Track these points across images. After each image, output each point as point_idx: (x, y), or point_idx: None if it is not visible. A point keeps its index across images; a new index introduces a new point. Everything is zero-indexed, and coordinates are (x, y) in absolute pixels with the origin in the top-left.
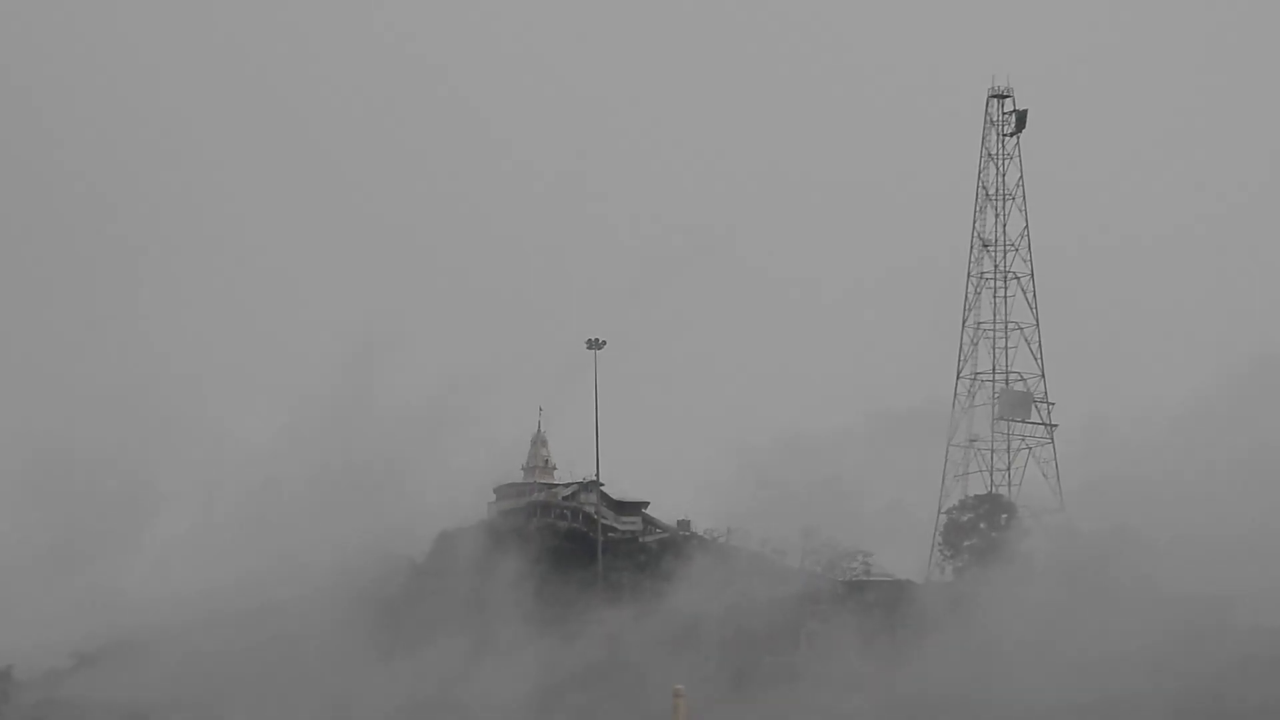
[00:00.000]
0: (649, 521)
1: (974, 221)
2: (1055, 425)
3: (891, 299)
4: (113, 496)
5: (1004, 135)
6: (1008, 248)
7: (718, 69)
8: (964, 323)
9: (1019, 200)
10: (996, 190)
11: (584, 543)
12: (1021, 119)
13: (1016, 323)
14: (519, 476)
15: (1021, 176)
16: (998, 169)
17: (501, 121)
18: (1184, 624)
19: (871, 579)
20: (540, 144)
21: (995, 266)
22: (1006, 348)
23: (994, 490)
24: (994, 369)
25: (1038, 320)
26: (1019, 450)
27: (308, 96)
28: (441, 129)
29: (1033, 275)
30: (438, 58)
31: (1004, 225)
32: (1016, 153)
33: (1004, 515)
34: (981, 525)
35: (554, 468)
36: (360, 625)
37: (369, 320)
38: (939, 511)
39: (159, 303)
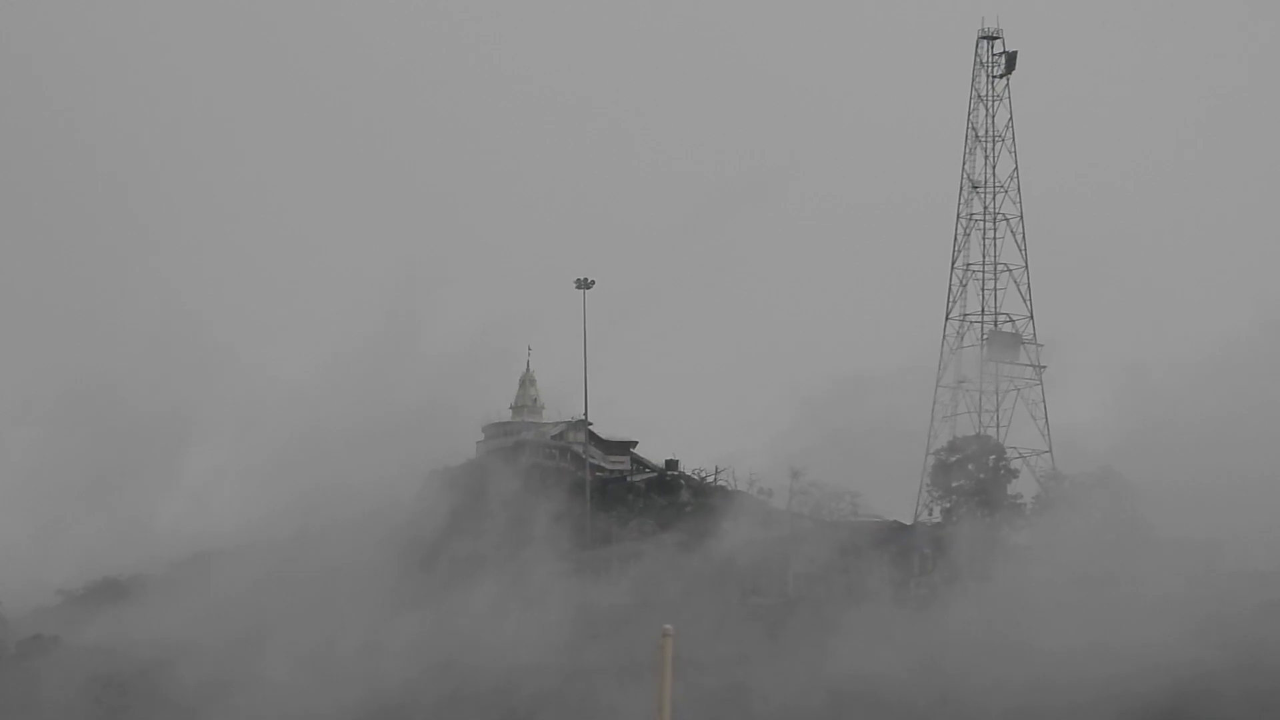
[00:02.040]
0: (637, 461)
1: (963, 163)
2: (1044, 367)
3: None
4: (148, 432)
5: (993, 77)
6: (997, 189)
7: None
8: (953, 264)
9: (1008, 142)
10: (986, 132)
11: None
12: (1011, 60)
13: (1005, 264)
14: (507, 416)
15: (1011, 118)
16: (987, 110)
17: (547, 67)
18: (1198, 568)
19: (861, 519)
20: (586, 87)
21: (984, 208)
22: (995, 289)
23: (982, 431)
24: (983, 310)
25: (1027, 262)
26: (1007, 392)
27: (348, 41)
28: (484, 74)
29: (1022, 217)
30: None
31: (993, 167)
32: (1006, 94)
33: (992, 456)
34: (970, 466)
35: (542, 407)
36: (382, 566)
37: (409, 263)
38: (927, 453)
39: (197, 242)
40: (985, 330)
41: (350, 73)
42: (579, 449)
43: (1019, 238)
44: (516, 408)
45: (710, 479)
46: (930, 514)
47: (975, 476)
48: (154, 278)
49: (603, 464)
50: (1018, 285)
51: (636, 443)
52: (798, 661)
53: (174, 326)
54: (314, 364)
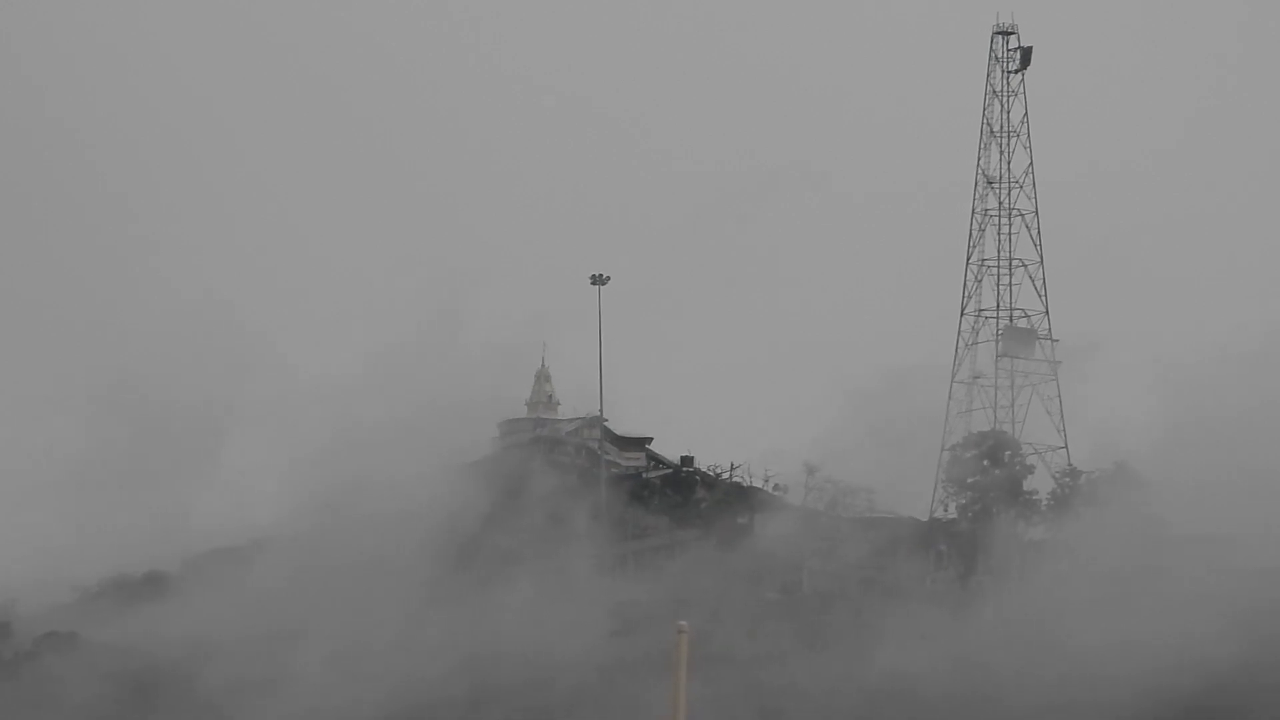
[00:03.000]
0: (652, 457)
1: (978, 159)
2: (1059, 362)
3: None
4: (184, 427)
5: (1009, 72)
6: (1012, 184)
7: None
8: (968, 259)
9: (1023, 137)
10: (1001, 127)
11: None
12: (1026, 56)
13: (1020, 259)
14: (522, 412)
15: (1026, 113)
16: (1002, 106)
17: (560, 63)
18: (1229, 563)
19: (876, 515)
20: (595, 86)
21: (999, 203)
22: (1010, 284)
23: (997, 427)
24: (998, 306)
25: (1042, 257)
26: (1022, 387)
27: (378, 35)
28: (499, 72)
29: (1037, 212)
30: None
31: (1009, 162)
32: (1021, 90)
33: (1007, 452)
34: (985, 462)
35: (558, 403)
36: (411, 562)
37: (449, 259)
38: (942, 449)
39: (230, 235)
40: (1000, 326)
41: (365, 76)
42: (594, 445)
43: (1034, 233)
44: (532, 404)
45: (726, 475)
46: (945, 510)
47: (991, 473)
48: (190, 272)
49: (618, 460)
50: (1033, 281)
51: (652, 439)
52: (830, 658)
53: (207, 318)
54: (348, 360)
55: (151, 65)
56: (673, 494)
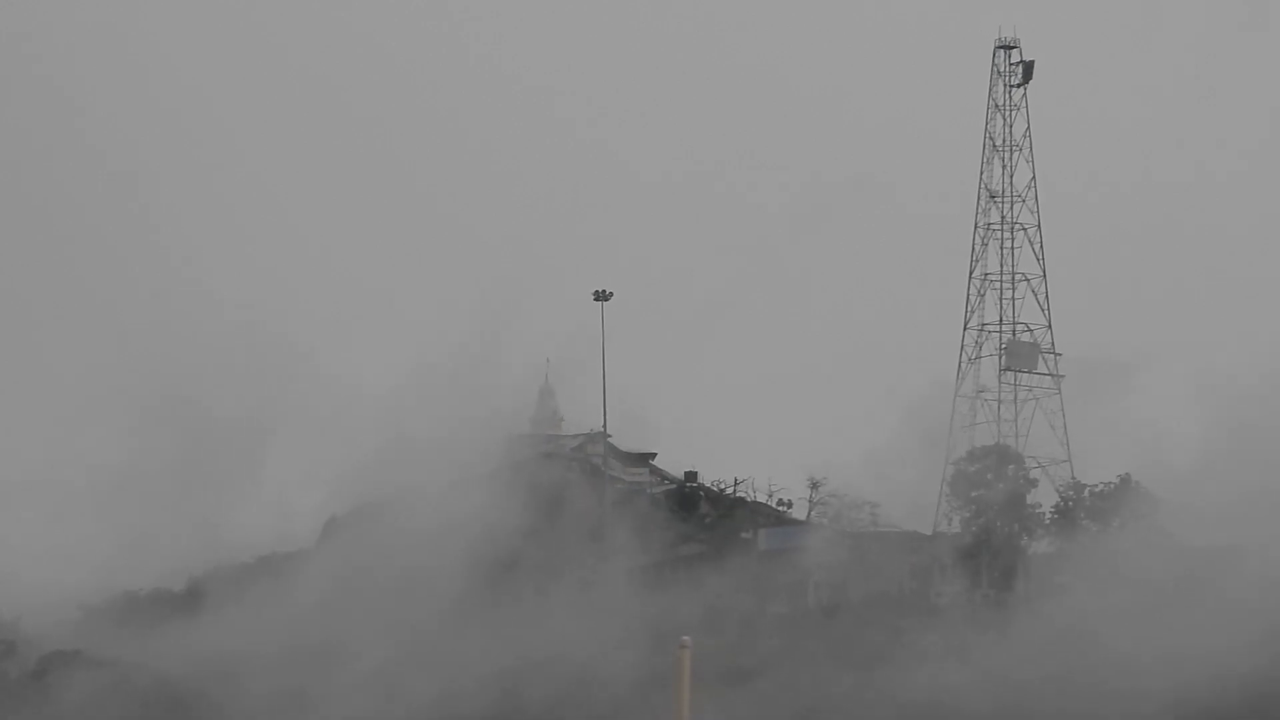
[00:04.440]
0: (656, 473)
1: (981, 173)
2: (1062, 376)
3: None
4: (225, 439)
5: (1010, 86)
6: (1014, 199)
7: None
8: (970, 274)
9: (1026, 151)
10: (1003, 141)
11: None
12: (1028, 70)
13: (1023, 273)
14: (527, 428)
15: (1029, 127)
16: (1004, 120)
17: (574, 72)
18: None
19: (881, 529)
20: (603, 90)
21: (1002, 218)
22: (1014, 298)
23: (1001, 441)
24: (1000, 320)
25: (1044, 271)
26: (1025, 401)
27: (378, 35)
28: (514, 72)
29: (1039, 226)
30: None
31: (1011, 176)
32: (1024, 104)
33: (1011, 466)
34: (989, 476)
35: (561, 419)
36: (435, 577)
37: (453, 261)
38: (946, 462)
39: (233, 237)
40: (1003, 340)
41: (365, 76)
42: (598, 461)
43: (1037, 247)
44: (536, 420)
45: (730, 490)
46: (949, 524)
47: (995, 486)
48: (229, 285)
49: (622, 476)
50: (1035, 295)
51: (656, 455)
52: (858, 673)
53: (250, 331)
54: (379, 373)
55: (151, 64)
56: (677, 509)
